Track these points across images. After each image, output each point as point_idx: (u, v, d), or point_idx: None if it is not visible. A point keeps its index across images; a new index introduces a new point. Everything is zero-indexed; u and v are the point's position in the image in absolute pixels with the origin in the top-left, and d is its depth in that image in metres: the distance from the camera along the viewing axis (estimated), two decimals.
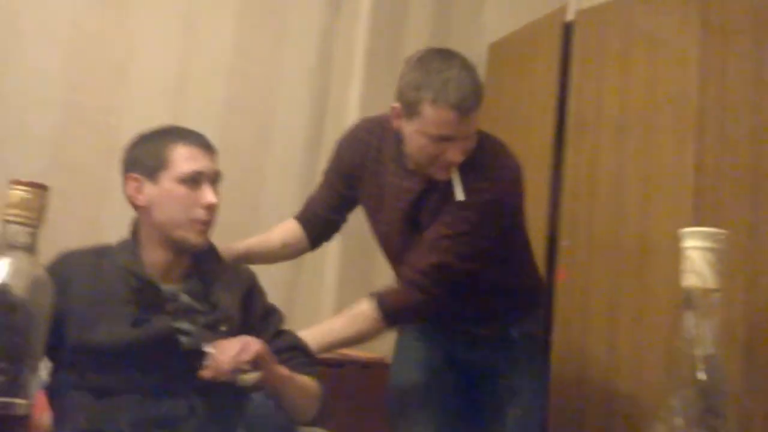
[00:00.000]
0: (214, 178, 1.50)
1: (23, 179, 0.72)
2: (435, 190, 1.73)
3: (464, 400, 1.90)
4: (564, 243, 1.92)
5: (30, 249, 0.73)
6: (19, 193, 0.72)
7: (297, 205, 2.01)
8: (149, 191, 1.48)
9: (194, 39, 2.68)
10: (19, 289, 0.71)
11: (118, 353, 1.42)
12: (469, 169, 1.69)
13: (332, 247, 2.67)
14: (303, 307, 2.83)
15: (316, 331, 1.72)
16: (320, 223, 1.95)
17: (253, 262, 1.76)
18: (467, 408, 1.89)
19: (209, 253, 1.58)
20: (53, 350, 1.39)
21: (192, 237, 1.49)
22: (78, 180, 2.37)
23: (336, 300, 2.86)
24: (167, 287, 1.50)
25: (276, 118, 2.84)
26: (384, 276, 2.91)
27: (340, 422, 1.75)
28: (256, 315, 1.64)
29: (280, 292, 2.67)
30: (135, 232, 1.55)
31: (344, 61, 2.97)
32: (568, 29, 2.54)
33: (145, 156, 1.49)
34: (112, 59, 2.52)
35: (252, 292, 1.66)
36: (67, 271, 1.45)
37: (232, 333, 1.52)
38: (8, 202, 0.72)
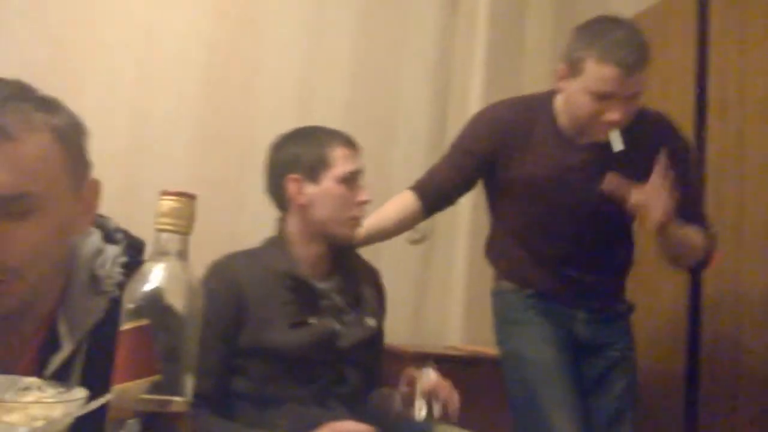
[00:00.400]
0: (361, 177, 1.60)
1: (172, 190, 0.77)
2: (602, 160, 1.73)
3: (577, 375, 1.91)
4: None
5: (182, 255, 0.76)
6: (168, 202, 0.76)
7: None
8: (310, 191, 1.55)
9: (317, 46, 2.75)
10: (173, 293, 0.75)
11: (286, 356, 1.48)
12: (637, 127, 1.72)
13: (461, 242, 2.65)
14: (432, 304, 2.83)
15: None
16: (439, 198, 1.98)
17: (370, 244, 1.85)
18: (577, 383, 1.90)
19: (349, 247, 1.65)
20: (230, 355, 1.48)
21: (348, 232, 1.57)
22: (215, 191, 2.50)
23: (465, 297, 2.83)
24: (320, 285, 1.56)
25: (399, 117, 2.86)
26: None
27: (474, 421, 1.73)
28: (384, 311, 1.68)
29: (410, 289, 2.68)
30: (281, 230, 1.61)
31: (465, 56, 2.94)
32: (703, 4, 2.40)
33: (305, 157, 1.56)
34: (242, 73, 2.64)
35: (381, 287, 1.71)
36: (237, 274, 1.52)
37: (377, 328, 1.58)
38: (159, 212, 0.76)
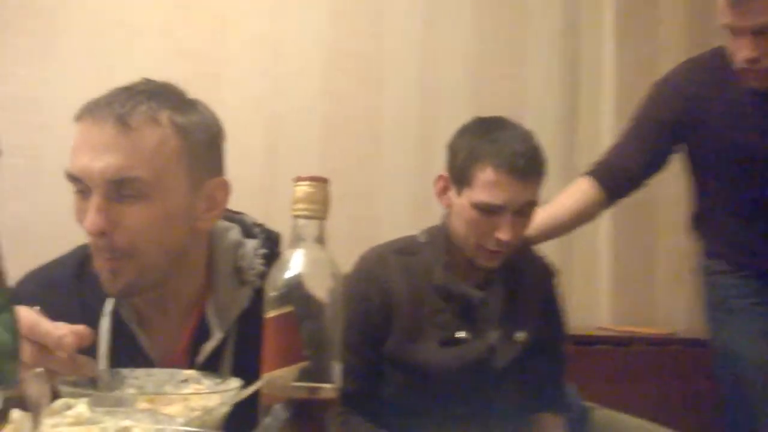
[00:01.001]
0: (521, 209, 1.37)
1: (305, 175, 0.76)
2: None
3: None
4: None
5: (319, 240, 0.76)
6: (303, 188, 0.75)
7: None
8: (452, 197, 1.43)
9: (435, 31, 2.72)
10: (314, 278, 0.74)
11: (433, 377, 1.38)
12: None
13: (604, 217, 2.51)
14: (579, 285, 2.72)
15: None
16: (625, 181, 1.74)
17: (544, 242, 1.67)
18: None
19: (522, 244, 1.47)
20: (377, 359, 1.42)
21: (479, 261, 1.41)
22: (344, 183, 2.53)
23: (612, 275, 2.70)
24: (477, 294, 1.43)
25: (526, 95, 2.77)
26: (664, 247, 2.68)
27: (627, 402, 1.63)
28: (551, 327, 1.53)
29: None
30: (446, 222, 1.48)
31: (593, 23, 2.80)
32: None
33: (457, 160, 1.42)
34: (366, 69, 2.65)
35: (553, 297, 1.55)
36: (388, 278, 1.43)
37: (528, 343, 1.44)
38: (294, 198, 0.75)
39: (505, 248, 1.38)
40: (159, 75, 1.09)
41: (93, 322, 1.06)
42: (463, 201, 1.39)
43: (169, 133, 1.01)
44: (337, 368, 0.74)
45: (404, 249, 1.48)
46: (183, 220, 1.05)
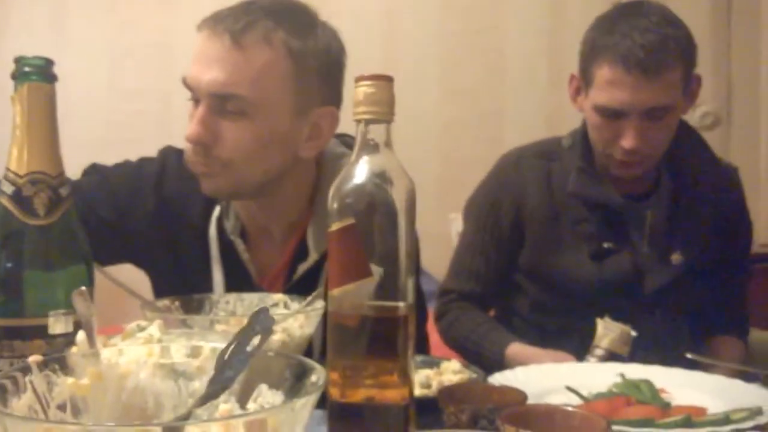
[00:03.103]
0: (651, 114, 1.19)
1: (366, 74, 0.68)
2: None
3: None
4: None
5: (387, 145, 0.68)
6: (363, 89, 0.67)
7: None
8: (581, 99, 1.28)
9: (562, 32, 2.51)
10: (379, 187, 0.67)
11: (577, 292, 1.28)
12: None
13: (764, 125, 2.25)
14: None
15: None
16: None
17: None
18: None
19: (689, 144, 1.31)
20: (505, 266, 1.36)
21: (613, 169, 1.26)
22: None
23: None
24: (618, 202, 1.28)
25: None
26: None
27: None
28: (731, 244, 1.35)
29: None
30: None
31: None
32: None
33: (582, 57, 1.26)
34: (489, 62, 2.49)
35: (733, 213, 1.35)
36: (520, 179, 1.34)
37: (686, 267, 1.28)
38: (355, 100, 0.68)
39: (634, 158, 1.22)
40: None
41: (171, 220, 1.11)
42: (588, 103, 1.25)
43: (280, 55, 1.01)
44: (409, 284, 0.67)
45: (545, 153, 1.37)
46: (283, 144, 1.04)
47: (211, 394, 0.45)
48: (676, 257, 1.27)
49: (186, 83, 1.03)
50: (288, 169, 1.07)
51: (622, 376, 0.85)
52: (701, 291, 1.31)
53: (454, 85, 2.49)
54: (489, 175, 1.42)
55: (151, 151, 1.22)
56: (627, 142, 1.19)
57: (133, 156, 1.20)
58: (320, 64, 1.04)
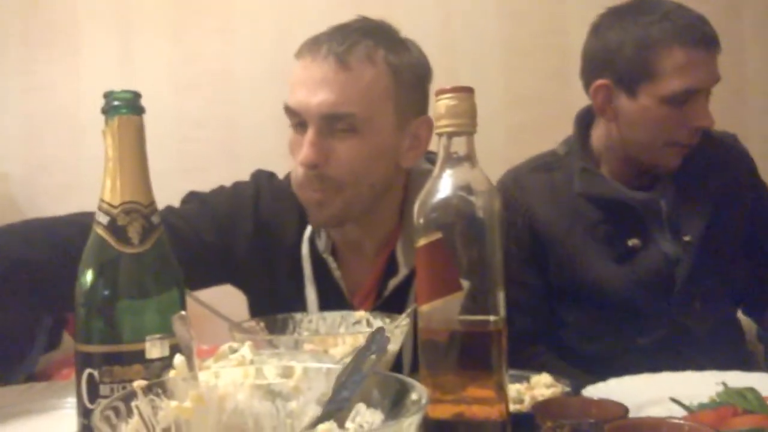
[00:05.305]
0: (710, 89, 1.19)
1: (448, 87, 0.68)
2: None
3: None
4: None
5: (469, 158, 0.67)
6: (445, 101, 0.67)
7: None
8: (622, 104, 1.22)
9: None
10: (465, 200, 0.66)
11: (610, 299, 1.23)
12: None
13: None
14: None
15: None
16: None
17: None
18: None
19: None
20: (542, 289, 1.31)
21: (666, 163, 1.22)
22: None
23: None
24: (634, 195, 1.25)
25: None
26: None
27: None
28: (762, 213, 1.31)
29: None
30: (584, 125, 1.32)
31: None
32: None
33: (623, 54, 1.20)
34: (552, 66, 2.45)
35: (743, 177, 1.30)
36: (523, 195, 1.31)
37: (696, 247, 1.22)
38: (436, 113, 0.68)
39: (696, 138, 1.20)
40: None
41: (267, 240, 1.13)
42: (644, 101, 1.19)
43: (382, 71, 1.05)
44: (501, 297, 0.66)
45: (542, 165, 1.34)
46: (389, 157, 1.09)
47: (327, 415, 0.45)
48: (686, 238, 1.22)
49: (290, 110, 1.06)
50: (390, 183, 1.11)
51: (724, 384, 0.82)
52: (736, 270, 1.27)
53: (518, 90, 2.46)
54: None
55: (220, 178, 1.24)
56: (704, 119, 1.17)
57: (204, 183, 1.23)
58: (414, 77, 1.09)
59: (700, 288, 1.22)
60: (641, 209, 1.24)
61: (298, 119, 1.05)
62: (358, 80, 1.03)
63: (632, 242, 1.23)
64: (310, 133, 1.03)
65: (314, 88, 1.03)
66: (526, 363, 1.19)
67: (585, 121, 1.34)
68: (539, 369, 1.19)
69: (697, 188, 1.26)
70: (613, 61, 1.22)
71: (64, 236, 0.91)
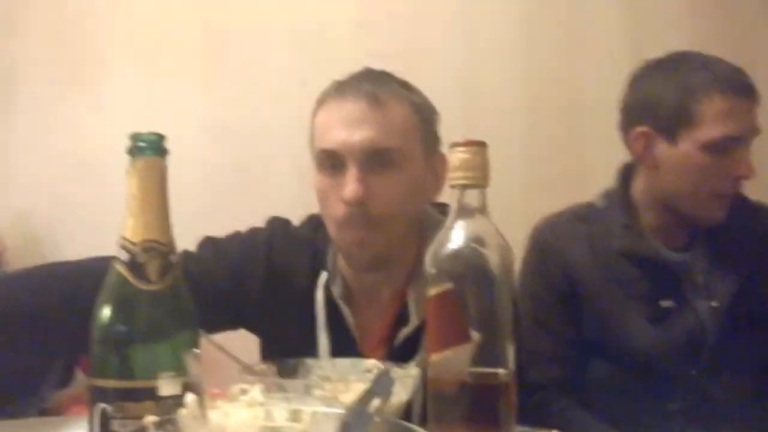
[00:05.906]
0: (745, 143, 1.20)
1: (462, 140, 0.70)
2: None
3: None
4: None
5: (480, 210, 0.69)
6: (459, 155, 0.69)
7: None
8: (662, 151, 1.22)
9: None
10: (476, 252, 0.67)
11: (639, 361, 1.23)
12: None
13: None
14: None
15: None
16: None
17: None
18: None
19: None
20: (573, 338, 1.29)
21: (709, 214, 1.22)
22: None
23: None
24: (673, 256, 1.24)
25: None
26: None
27: None
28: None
29: None
30: (625, 179, 1.32)
31: None
32: None
33: (663, 103, 1.21)
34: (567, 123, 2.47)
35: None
36: (561, 243, 1.31)
37: (724, 313, 1.21)
38: (451, 165, 0.70)
39: (738, 189, 1.21)
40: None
41: (279, 286, 1.15)
42: (685, 148, 1.20)
43: (408, 108, 1.10)
44: (510, 351, 0.67)
45: (580, 216, 1.34)
46: (420, 191, 1.12)
47: None
48: (714, 304, 1.22)
49: (328, 151, 1.08)
50: (417, 220, 1.13)
51: None
52: (765, 340, 1.24)
53: (534, 148, 2.48)
54: (528, 252, 1.36)
55: (240, 223, 1.26)
56: (745, 169, 1.18)
57: (223, 229, 1.24)
58: (431, 114, 1.15)
59: (728, 354, 1.21)
60: (678, 270, 1.24)
61: (334, 161, 1.07)
62: (392, 116, 1.07)
63: (666, 304, 1.22)
64: (353, 171, 1.04)
65: (353, 126, 1.05)
66: (555, 417, 1.19)
67: (626, 174, 1.33)
68: (565, 425, 1.14)
69: (729, 254, 1.25)
70: (653, 109, 1.23)
71: (76, 284, 0.91)
